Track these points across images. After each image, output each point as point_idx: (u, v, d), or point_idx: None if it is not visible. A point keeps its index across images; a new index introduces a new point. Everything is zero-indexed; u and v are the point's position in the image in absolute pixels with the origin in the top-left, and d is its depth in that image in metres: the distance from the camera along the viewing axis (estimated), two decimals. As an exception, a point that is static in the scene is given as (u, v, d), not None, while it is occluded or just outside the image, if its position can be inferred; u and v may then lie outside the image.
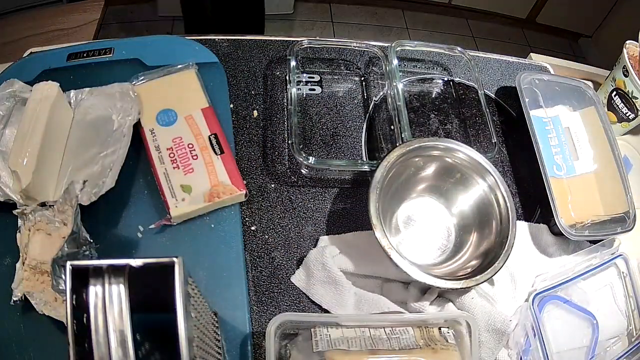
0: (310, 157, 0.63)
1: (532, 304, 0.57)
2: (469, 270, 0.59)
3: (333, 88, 0.74)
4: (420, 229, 0.65)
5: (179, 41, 0.75)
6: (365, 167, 0.66)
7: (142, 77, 0.68)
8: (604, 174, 0.67)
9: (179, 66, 0.69)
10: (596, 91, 0.83)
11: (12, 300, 0.52)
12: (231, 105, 0.71)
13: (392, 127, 0.66)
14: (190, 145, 0.63)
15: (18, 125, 0.59)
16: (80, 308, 0.34)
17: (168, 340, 0.35)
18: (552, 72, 0.83)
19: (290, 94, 0.65)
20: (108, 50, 0.72)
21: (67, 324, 0.33)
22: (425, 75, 0.79)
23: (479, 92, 0.73)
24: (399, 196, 0.65)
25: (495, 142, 0.69)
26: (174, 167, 0.61)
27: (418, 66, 0.80)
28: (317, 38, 0.73)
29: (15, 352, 0.51)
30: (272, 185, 0.66)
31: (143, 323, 0.37)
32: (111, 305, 0.34)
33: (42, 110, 0.58)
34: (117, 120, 0.63)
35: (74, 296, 0.34)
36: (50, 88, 0.60)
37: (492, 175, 0.62)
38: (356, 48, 0.75)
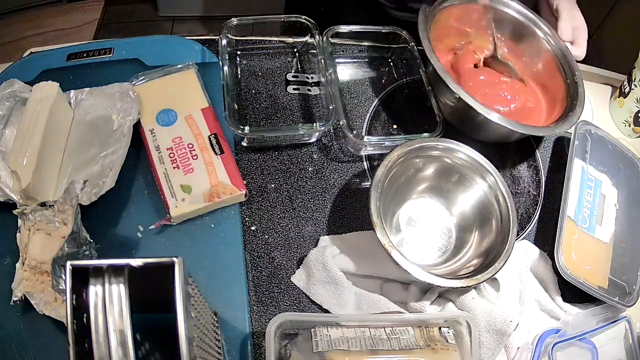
0: (245, 127, 0.63)
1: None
2: (469, 269, 0.59)
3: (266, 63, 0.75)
4: (420, 229, 0.65)
5: (179, 41, 0.75)
6: (301, 131, 0.66)
7: (142, 77, 0.68)
8: (619, 249, 0.66)
9: (179, 66, 0.69)
10: (614, 97, 0.83)
11: (12, 300, 0.52)
12: (234, 105, 0.71)
13: (331, 107, 0.66)
14: (190, 145, 0.63)
15: (18, 125, 0.59)
16: (80, 308, 0.34)
17: (168, 340, 0.35)
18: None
19: (223, 71, 0.65)
20: (108, 50, 0.72)
21: (67, 324, 0.33)
22: (363, 59, 0.79)
23: (420, 70, 0.72)
24: (400, 197, 0.65)
25: (439, 121, 0.67)
26: (174, 167, 0.61)
27: (356, 50, 0.79)
28: (247, 14, 0.72)
29: (15, 352, 0.51)
30: (272, 185, 0.66)
31: (143, 323, 0.37)
32: (111, 305, 0.34)
33: (42, 110, 0.58)
34: (117, 120, 0.63)
35: (74, 296, 0.34)
36: (50, 88, 0.60)
37: (492, 175, 0.62)
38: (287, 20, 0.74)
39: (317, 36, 0.71)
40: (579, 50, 0.72)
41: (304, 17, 0.72)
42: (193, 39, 0.75)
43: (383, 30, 0.76)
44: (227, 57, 0.67)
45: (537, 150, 0.76)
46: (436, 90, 0.70)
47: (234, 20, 0.71)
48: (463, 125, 0.69)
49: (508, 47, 0.76)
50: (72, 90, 0.65)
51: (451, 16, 0.74)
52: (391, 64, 0.79)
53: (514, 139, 0.72)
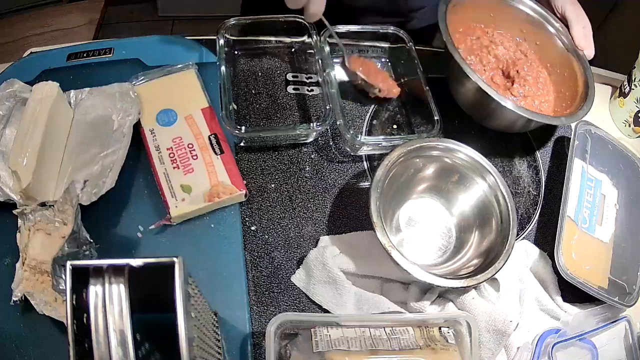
0: (242, 127, 0.62)
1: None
2: (469, 269, 0.59)
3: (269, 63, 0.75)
4: (420, 229, 0.65)
5: (179, 41, 0.75)
6: (298, 131, 0.66)
7: (142, 77, 0.68)
8: (619, 249, 0.66)
9: (179, 66, 0.69)
10: (614, 97, 0.83)
11: (12, 300, 0.52)
12: (231, 106, 0.71)
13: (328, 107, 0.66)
14: (190, 145, 0.63)
15: (18, 125, 0.59)
16: (80, 308, 0.34)
17: (168, 340, 0.35)
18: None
19: (221, 71, 0.65)
20: (108, 50, 0.72)
21: (67, 324, 0.33)
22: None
23: (418, 71, 0.72)
24: (400, 197, 0.65)
25: (437, 120, 0.67)
26: (174, 167, 0.61)
27: (355, 50, 0.79)
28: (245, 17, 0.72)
29: (15, 352, 0.51)
30: (272, 185, 0.66)
31: (143, 323, 0.37)
32: (111, 305, 0.34)
33: (42, 110, 0.58)
34: (117, 120, 0.63)
35: (74, 296, 0.34)
36: (50, 88, 0.60)
37: (492, 175, 0.62)
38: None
39: (314, 36, 0.71)
40: (589, 50, 0.73)
41: (301, 17, 0.72)
42: (193, 39, 0.75)
43: (381, 31, 0.76)
44: (224, 57, 0.67)
45: (537, 150, 0.76)
46: (453, 78, 0.70)
47: (232, 20, 0.70)
48: (477, 112, 0.70)
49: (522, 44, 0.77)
50: (72, 90, 0.65)
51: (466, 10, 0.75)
52: (389, 64, 0.79)
53: (530, 128, 0.73)
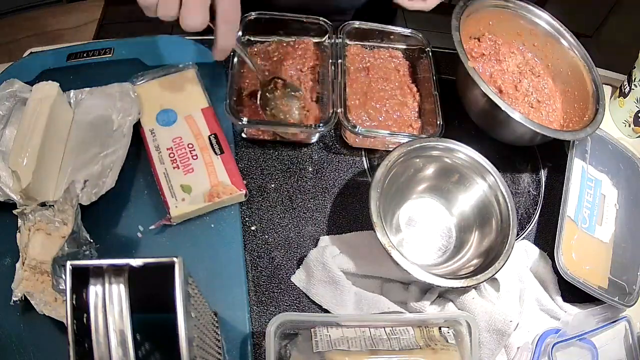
0: (244, 118, 0.62)
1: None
2: (469, 269, 0.59)
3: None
4: (420, 229, 0.65)
5: (179, 41, 0.75)
6: (299, 130, 0.66)
7: (142, 77, 0.68)
8: (619, 249, 0.66)
9: (179, 66, 0.69)
10: (613, 97, 0.83)
11: (12, 300, 0.52)
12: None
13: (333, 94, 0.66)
14: (190, 145, 0.63)
15: (18, 125, 0.59)
16: (80, 308, 0.34)
17: (168, 340, 0.35)
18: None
19: (232, 62, 0.66)
20: (108, 50, 0.72)
21: (67, 324, 0.33)
22: (376, 59, 0.77)
23: (431, 75, 0.72)
24: (400, 197, 0.65)
25: (439, 124, 0.67)
26: (174, 167, 0.61)
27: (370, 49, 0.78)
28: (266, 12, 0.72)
29: (15, 352, 0.51)
30: (272, 185, 0.66)
31: (143, 323, 0.37)
32: (111, 305, 0.34)
33: (42, 110, 0.58)
34: (117, 120, 0.63)
35: (74, 296, 0.34)
36: (50, 88, 0.60)
37: (492, 175, 0.62)
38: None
39: (315, 37, 0.71)
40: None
41: (304, 16, 0.72)
42: (193, 39, 0.75)
43: (401, 33, 0.76)
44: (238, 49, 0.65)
45: (537, 150, 0.76)
46: (464, 88, 0.70)
47: (252, 14, 0.70)
48: (488, 124, 0.71)
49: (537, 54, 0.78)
50: (72, 90, 0.65)
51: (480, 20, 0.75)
52: (408, 64, 0.78)
53: (536, 142, 0.73)
